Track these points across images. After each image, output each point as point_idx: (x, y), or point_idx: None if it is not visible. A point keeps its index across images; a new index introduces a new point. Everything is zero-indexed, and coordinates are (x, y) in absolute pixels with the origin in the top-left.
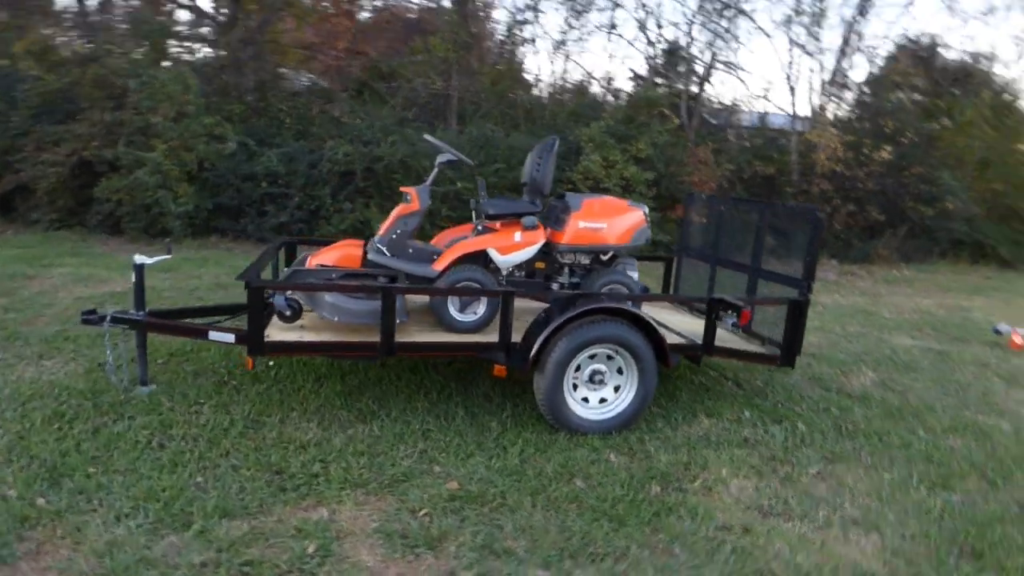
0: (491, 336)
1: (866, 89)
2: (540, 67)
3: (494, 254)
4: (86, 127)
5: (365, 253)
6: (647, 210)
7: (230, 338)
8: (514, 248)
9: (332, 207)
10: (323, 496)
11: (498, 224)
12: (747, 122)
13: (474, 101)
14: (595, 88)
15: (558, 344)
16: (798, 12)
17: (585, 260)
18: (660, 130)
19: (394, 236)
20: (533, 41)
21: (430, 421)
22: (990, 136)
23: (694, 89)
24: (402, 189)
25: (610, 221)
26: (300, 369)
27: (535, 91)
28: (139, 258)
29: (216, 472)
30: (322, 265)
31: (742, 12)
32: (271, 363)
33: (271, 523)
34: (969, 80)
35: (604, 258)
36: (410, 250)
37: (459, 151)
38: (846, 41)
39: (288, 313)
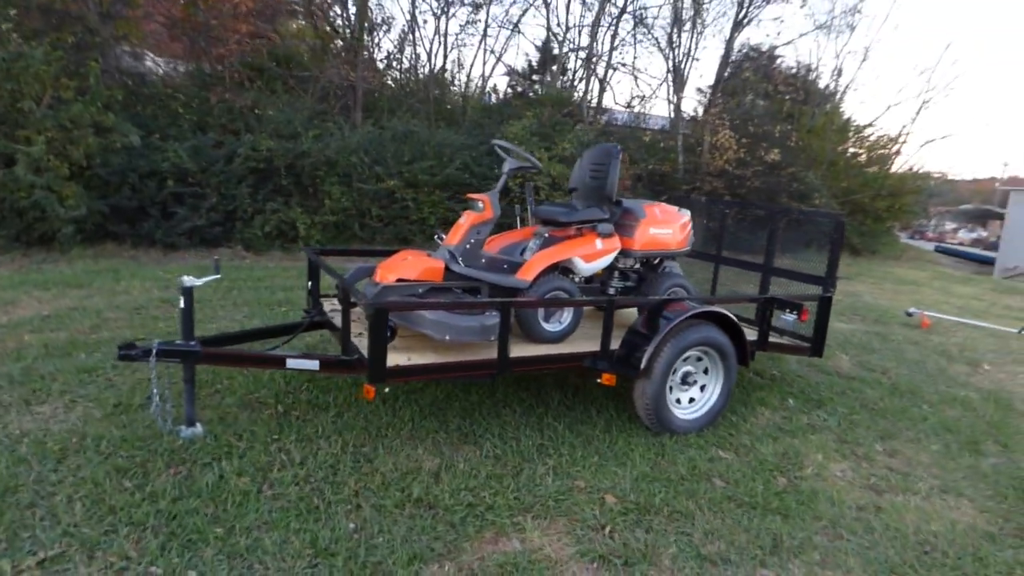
0: (592, 345)
1: (746, 97)
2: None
3: (578, 262)
4: None
5: (446, 266)
6: (689, 214)
7: (314, 365)
8: (596, 256)
9: (251, 208)
10: (500, 526)
11: (572, 231)
12: (627, 122)
13: (380, 94)
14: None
15: (664, 349)
16: (677, 20)
17: (636, 265)
18: (585, 129)
19: (468, 246)
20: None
21: (536, 436)
22: (834, 140)
23: (595, 89)
24: (472, 196)
25: (673, 227)
26: (343, 392)
27: (453, 89)
28: (187, 280)
29: (362, 514)
30: (403, 280)
31: (640, 20)
32: (306, 388)
33: (474, 562)
34: (805, 89)
35: (655, 262)
36: (483, 260)
37: (380, 147)
38: (727, 52)
39: (387, 334)
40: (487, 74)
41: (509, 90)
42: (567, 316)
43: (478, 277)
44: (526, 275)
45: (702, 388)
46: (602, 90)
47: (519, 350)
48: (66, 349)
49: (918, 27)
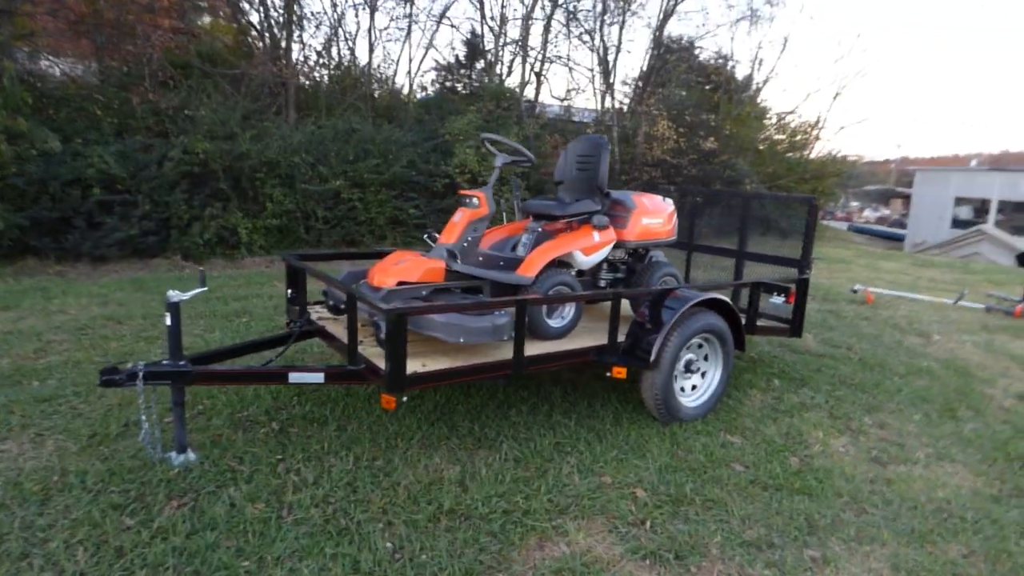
0: (590, 340)
1: (676, 88)
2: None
3: (579, 255)
4: None
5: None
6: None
7: (319, 378)
8: (595, 248)
9: (187, 214)
10: (542, 531)
11: (562, 224)
12: (558, 115)
13: (314, 92)
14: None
15: (671, 339)
16: (605, 11)
17: (625, 256)
18: (530, 123)
19: (466, 243)
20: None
21: (549, 435)
22: (756, 127)
23: (532, 83)
24: (466, 193)
25: (662, 217)
26: (340, 404)
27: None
28: (173, 294)
29: (396, 532)
30: (405, 283)
31: (573, 15)
32: (297, 402)
33: (527, 571)
34: (726, 79)
35: (642, 253)
36: (480, 257)
37: (321, 146)
38: (656, 44)
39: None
40: (414, 71)
41: (437, 85)
42: (569, 311)
43: (480, 275)
44: (528, 271)
45: (702, 375)
46: (539, 83)
47: (528, 348)
48: (13, 378)
49: (832, 18)
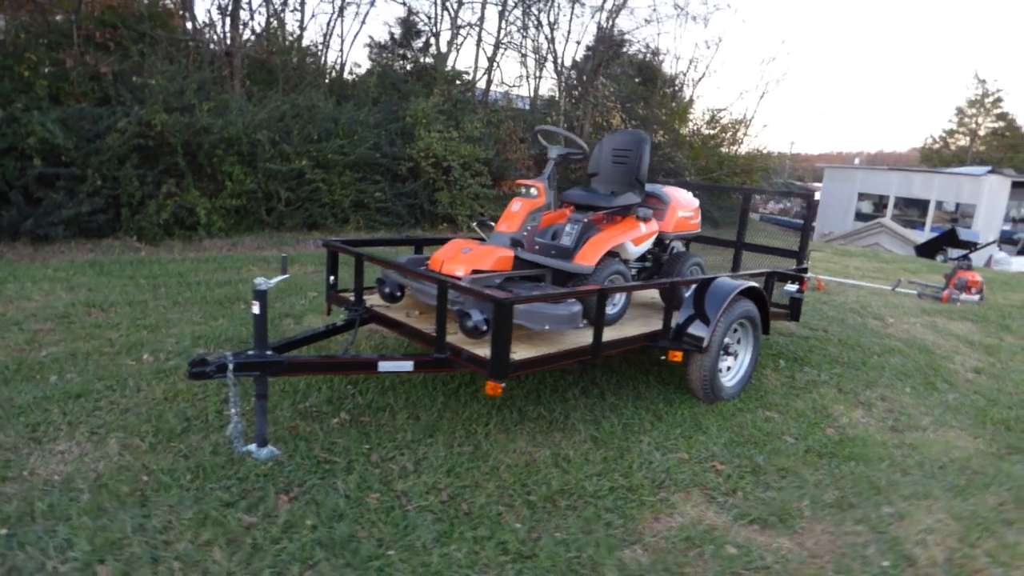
0: (642, 327)
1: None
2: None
3: (629, 246)
4: None
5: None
6: None
7: (408, 366)
8: (643, 239)
9: (140, 192)
10: (652, 505)
11: (599, 215)
12: (498, 100)
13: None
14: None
15: (720, 323)
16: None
17: (650, 247)
18: (496, 109)
19: (526, 233)
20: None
21: (612, 417)
22: (681, 118)
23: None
24: (525, 183)
25: (692, 210)
26: (400, 393)
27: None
28: (260, 282)
29: (520, 513)
30: (479, 271)
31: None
32: (355, 392)
33: (658, 541)
34: (660, 74)
35: (665, 244)
36: (536, 246)
37: (280, 122)
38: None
39: (484, 329)
40: (347, 50)
41: (371, 62)
42: (620, 299)
43: (546, 264)
44: (588, 260)
45: (735, 357)
46: (490, 68)
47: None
48: (21, 372)
49: (763, 21)
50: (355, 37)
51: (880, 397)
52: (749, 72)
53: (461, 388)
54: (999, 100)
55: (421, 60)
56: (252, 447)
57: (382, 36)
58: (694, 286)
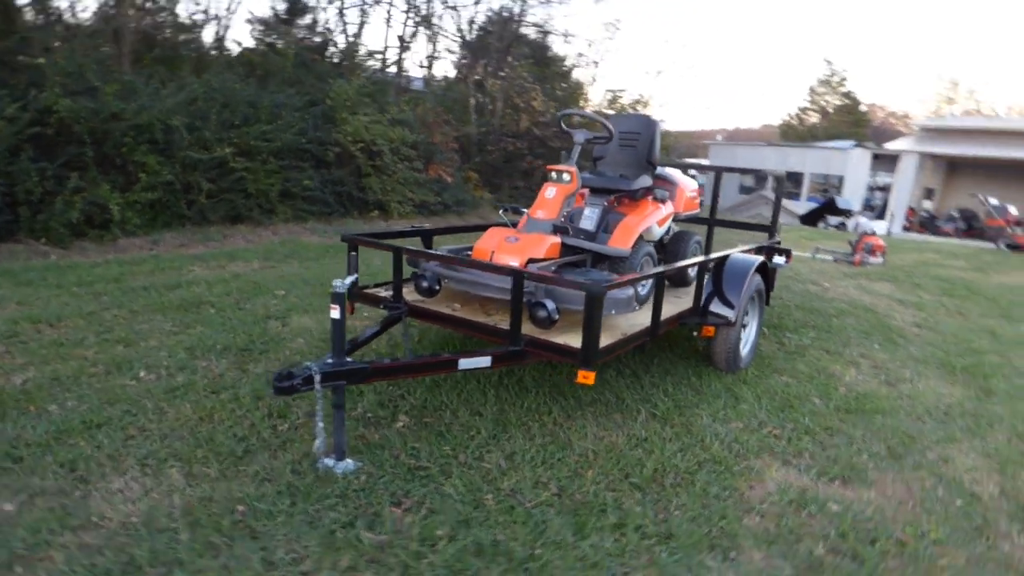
0: (681, 305)
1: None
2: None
3: (655, 228)
4: None
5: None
6: None
7: (486, 361)
8: (664, 220)
9: (41, 188)
10: (742, 474)
11: (613, 198)
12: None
13: (157, 43)
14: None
15: (743, 298)
16: None
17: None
18: (413, 90)
19: (562, 218)
20: None
21: (661, 397)
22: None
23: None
24: (556, 168)
25: (695, 191)
26: (448, 388)
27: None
28: (339, 284)
29: (633, 496)
30: (534, 260)
31: None
32: (405, 393)
33: (765, 508)
34: (551, 56)
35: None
36: (569, 231)
37: (192, 105)
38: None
39: (556, 318)
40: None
41: (253, 41)
42: (648, 280)
43: (589, 248)
44: (622, 243)
45: (745, 328)
46: (402, 49)
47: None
48: (9, 404)
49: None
50: (233, 12)
51: (860, 355)
52: (649, 54)
53: (504, 380)
54: (844, 79)
55: (310, 39)
56: (330, 460)
57: (263, 10)
58: (712, 265)
